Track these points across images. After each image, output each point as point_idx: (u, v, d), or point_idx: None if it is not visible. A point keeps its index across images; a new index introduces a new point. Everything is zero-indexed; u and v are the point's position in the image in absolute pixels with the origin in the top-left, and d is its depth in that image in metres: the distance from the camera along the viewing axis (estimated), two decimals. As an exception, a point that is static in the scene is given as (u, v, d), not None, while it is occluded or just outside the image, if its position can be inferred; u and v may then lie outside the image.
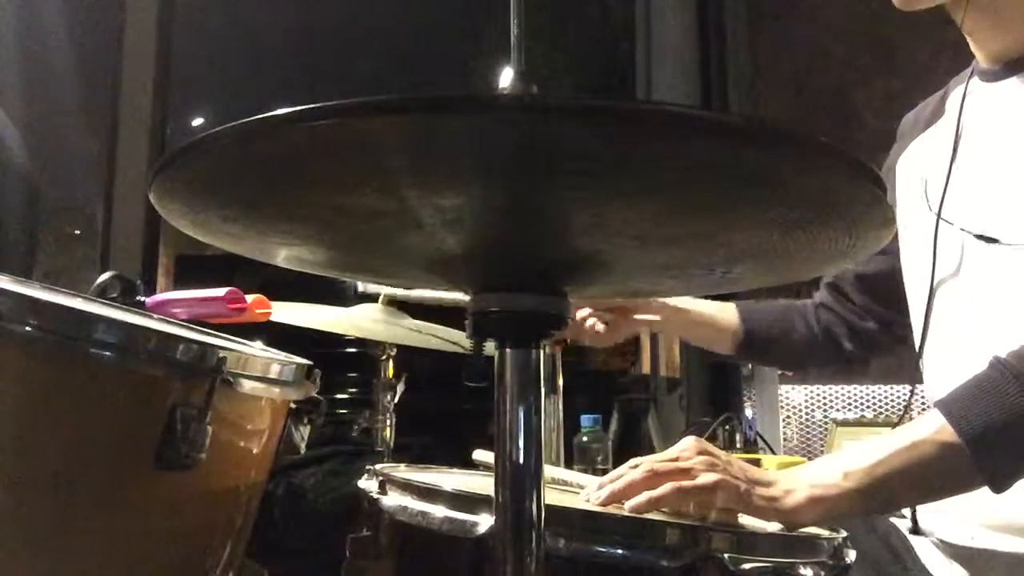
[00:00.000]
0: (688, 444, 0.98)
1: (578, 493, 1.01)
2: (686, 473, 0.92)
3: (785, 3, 3.60)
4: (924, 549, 1.17)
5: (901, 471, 0.93)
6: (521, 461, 0.68)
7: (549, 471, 1.24)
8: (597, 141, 0.52)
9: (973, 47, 1.22)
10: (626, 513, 0.89)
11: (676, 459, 0.95)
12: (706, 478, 0.91)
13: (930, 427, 0.94)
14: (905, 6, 1.17)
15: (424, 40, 3.76)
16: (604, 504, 0.92)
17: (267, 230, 0.69)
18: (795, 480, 0.94)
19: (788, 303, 1.55)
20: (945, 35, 1.25)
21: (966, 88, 1.22)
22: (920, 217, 1.22)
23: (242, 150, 0.55)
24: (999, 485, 0.93)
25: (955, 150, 1.19)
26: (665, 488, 0.90)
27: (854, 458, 0.95)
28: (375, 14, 3.71)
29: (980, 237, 1.11)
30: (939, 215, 1.17)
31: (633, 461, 0.96)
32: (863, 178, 0.55)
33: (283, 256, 0.74)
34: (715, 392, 3.45)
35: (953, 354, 1.13)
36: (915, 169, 1.27)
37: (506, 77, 0.66)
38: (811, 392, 3.20)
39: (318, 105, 0.50)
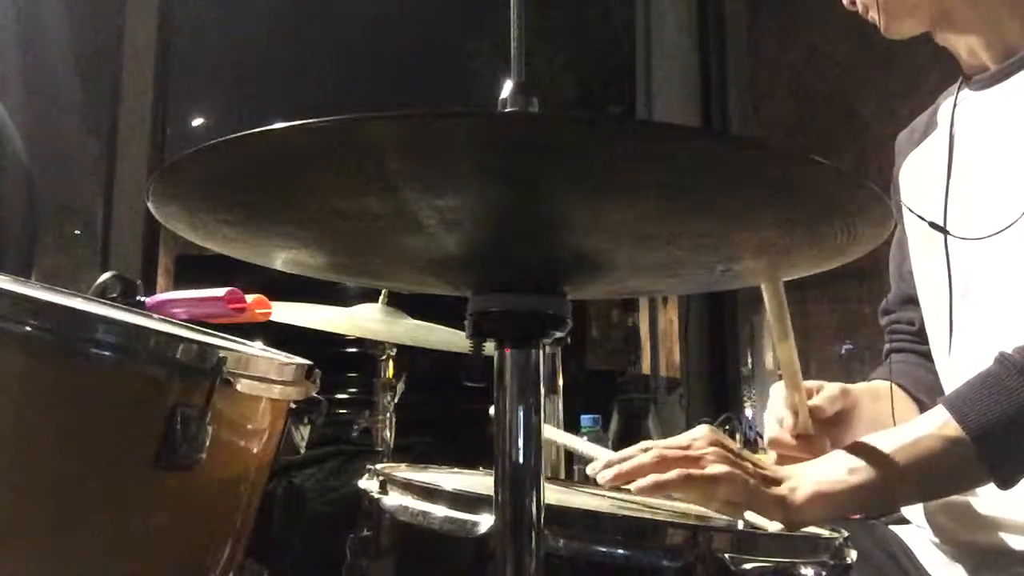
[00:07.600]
0: (702, 432, 0.97)
1: (578, 489, 1.01)
2: (696, 461, 0.91)
3: (785, 3, 3.60)
4: (925, 549, 1.17)
5: (906, 467, 0.93)
6: (521, 461, 0.68)
7: (551, 434, 1.23)
8: (595, 144, 0.53)
9: (961, 59, 1.22)
10: (625, 513, 0.89)
11: (688, 447, 0.94)
12: (715, 469, 0.90)
13: (935, 423, 0.94)
14: (889, 34, 1.19)
15: (423, 40, 3.76)
16: (610, 484, 0.92)
17: (265, 234, 0.69)
18: (801, 477, 0.94)
19: (903, 361, 1.36)
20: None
21: (956, 99, 1.22)
22: (926, 227, 1.21)
23: (240, 155, 0.55)
24: (1005, 481, 0.93)
25: (950, 161, 1.19)
26: (672, 474, 0.89)
27: (859, 454, 0.94)
28: (374, 14, 3.71)
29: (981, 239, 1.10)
30: (945, 224, 1.17)
31: (643, 444, 0.95)
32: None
33: (282, 259, 0.74)
34: (715, 392, 3.45)
35: (977, 367, 1.10)
36: (915, 182, 1.27)
37: (506, 88, 0.66)
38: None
39: (316, 120, 0.50)
